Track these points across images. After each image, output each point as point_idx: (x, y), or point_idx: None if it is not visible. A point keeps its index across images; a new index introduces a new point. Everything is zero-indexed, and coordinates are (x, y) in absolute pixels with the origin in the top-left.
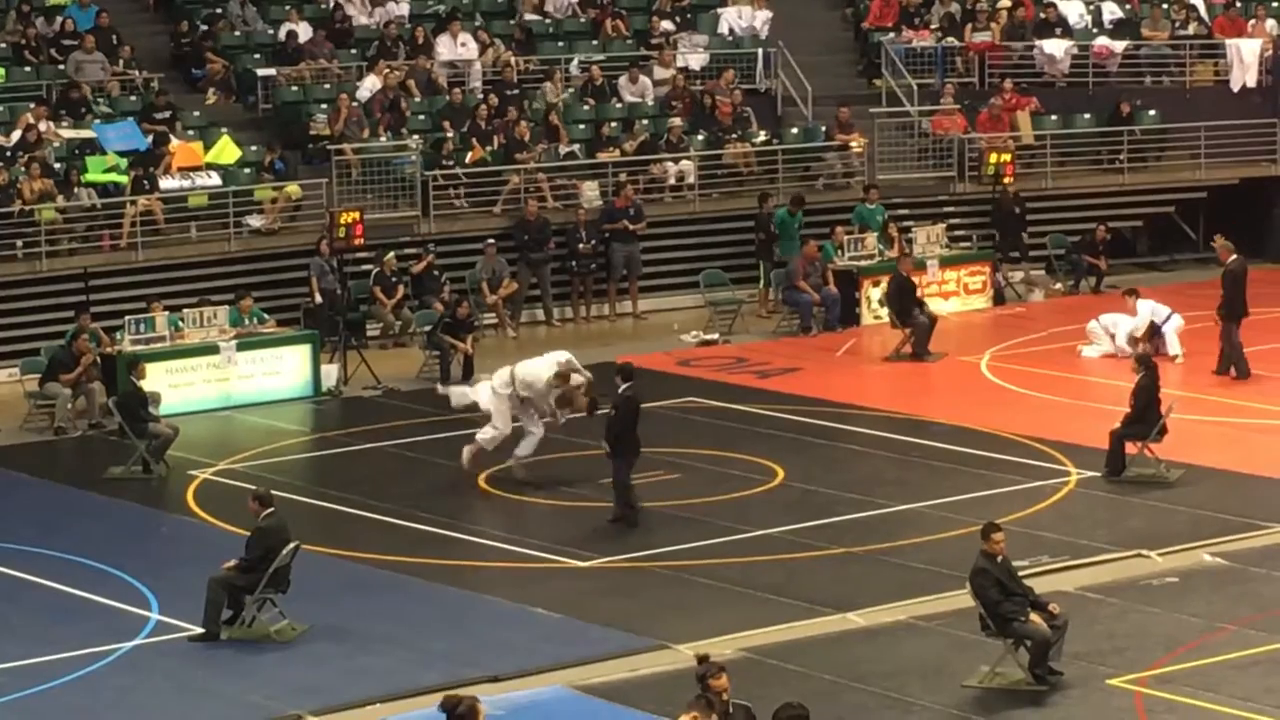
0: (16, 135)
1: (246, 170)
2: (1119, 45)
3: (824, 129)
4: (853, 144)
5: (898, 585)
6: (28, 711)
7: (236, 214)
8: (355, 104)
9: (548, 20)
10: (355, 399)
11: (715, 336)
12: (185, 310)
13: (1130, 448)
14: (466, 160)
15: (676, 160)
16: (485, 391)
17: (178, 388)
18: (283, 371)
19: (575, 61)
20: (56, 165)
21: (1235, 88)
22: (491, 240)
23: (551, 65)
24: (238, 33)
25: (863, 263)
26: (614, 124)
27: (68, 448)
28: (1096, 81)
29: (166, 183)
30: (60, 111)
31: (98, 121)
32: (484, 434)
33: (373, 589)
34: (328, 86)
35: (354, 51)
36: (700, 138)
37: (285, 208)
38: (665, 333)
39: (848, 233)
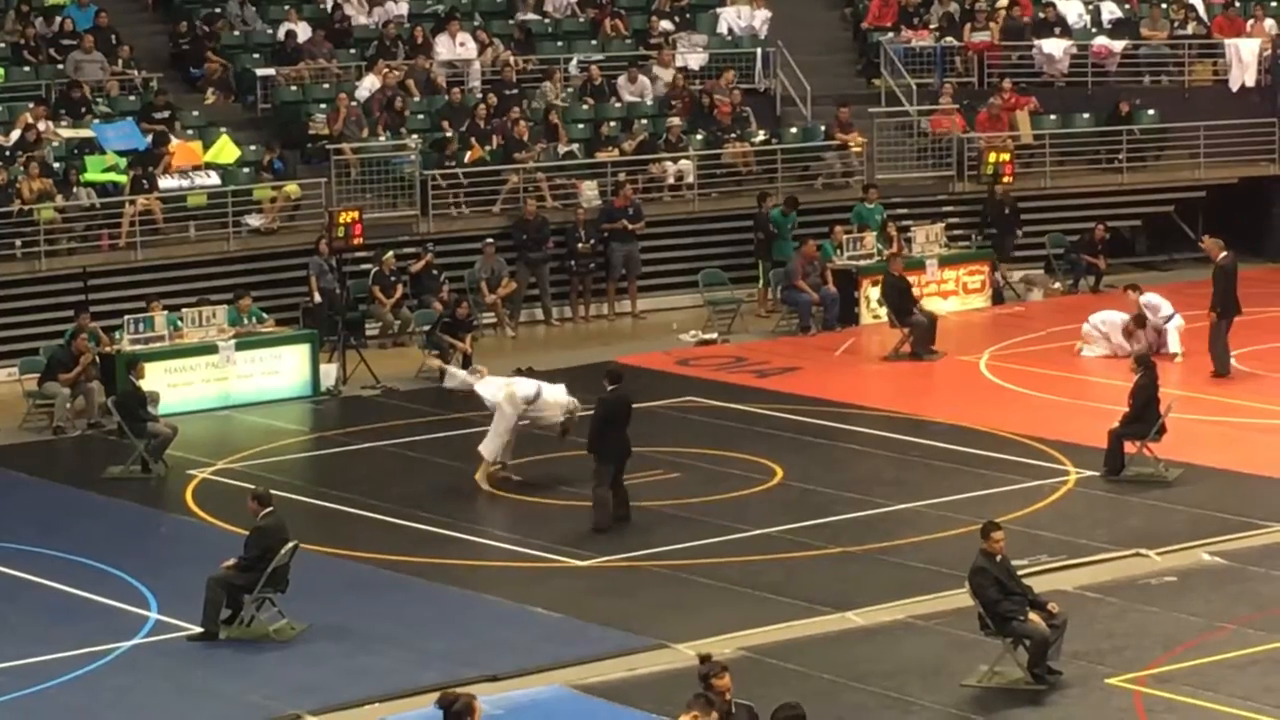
0: (16, 135)
1: (245, 170)
2: (1118, 45)
3: (823, 128)
4: (852, 143)
5: (897, 584)
6: (27, 711)
7: (235, 213)
8: (354, 104)
9: (547, 20)
10: (354, 398)
11: (714, 336)
12: (184, 310)
13: (1129, 447)
14: (465, 160)
15: (675, 160)
16: (489, 389)
17: (177, 387)
18: (282, 371)
19: (574, 61)
20: (55, 165)
21: (1234, 87)
22: (490, 240)
23: (551, 65)
24: (237, 32)
25: (861, 262)
26: (613, 123)
27: (66, 447)
28: (1095, 81)
29: (165, 182)
30: (59, 111)
31: (97, 121)
32: (488, 448)
33: (371, 588)
34: (327, 86)
35: (353, 51)
36: (699, 137)
37: (284, 207)
38: (664, 332)
39: (847, 232)
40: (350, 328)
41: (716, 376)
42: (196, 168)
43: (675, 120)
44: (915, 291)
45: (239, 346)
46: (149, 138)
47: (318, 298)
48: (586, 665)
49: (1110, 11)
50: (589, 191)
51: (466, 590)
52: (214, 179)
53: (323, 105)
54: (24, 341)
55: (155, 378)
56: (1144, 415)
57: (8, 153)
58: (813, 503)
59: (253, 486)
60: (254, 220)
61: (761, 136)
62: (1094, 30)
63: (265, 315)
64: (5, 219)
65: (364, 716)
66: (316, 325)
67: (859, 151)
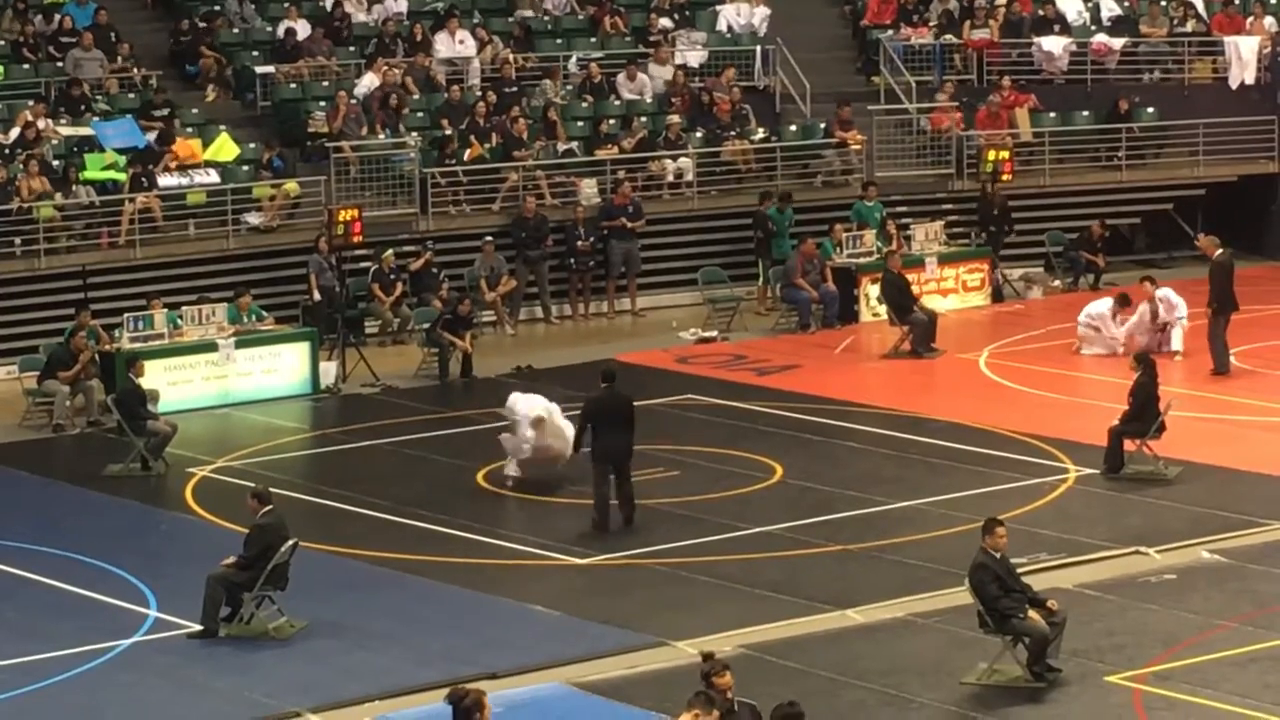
0: (15, 133)
1: (245, 168)
2: (1117, 42)
3: (822, 126)
4: (851, 141)
5: (896, 582)
6: (26, 709)
7: (235, 211)
8: (354, 101)
9: (546, 17)
10: (353, 396)
11: (714, 334)
12: (184, 308)
13: (1129, 445)
14: (465, 158)
15: (675, 158)
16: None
17: (176, 385)
18: (281, 369)
19: (574, 59)
20: (55, 163)
21: (1233, 85)
22: (490, 238)
23: (550, 63)
24: (236, 30)
25: (861, 260)
26: (612, 121)
27: (66, 445)
28: (1095, 79)
29: (165, 180)
30: (59, 109)
31: (96, 119)
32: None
33: (371, 586)
34: (326, 84)
35: (352, 49)
36: (699, 135)
37: (284, 205)
38: (664, 330)
39: (846, 230)
40: (350, 326)
41: (716, 374)
42: (196, 165)
43: (675, 118)
44: (915, 289)
45: (238, 344)
46: (154, 135)
47: (317, 296)
48: (586, 663)
49: (1110, 9)
50: (588, 189)
51: (466, 588)
52: (213, 177)
53: (322, 103)
54: (23, 339)
55: (155, 376)
56: (1144, 413)
57: (7, 151)
58: (812, 500)
59: (252, 484)
60: (253, 218)
61: (761, 134)
62: (1093, 28)
63: (265, 313)
64: (5, 217)
65: (363, 714)
66: (316, 323)
67: (858, 149)
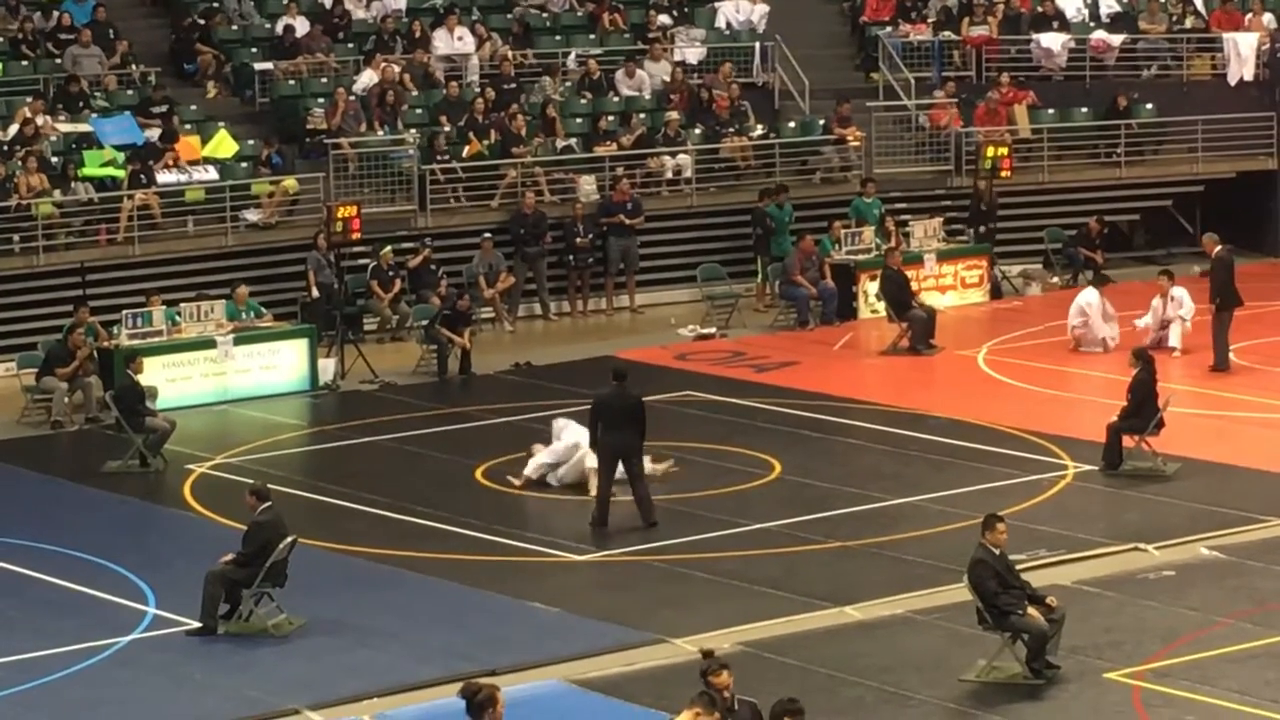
0: (14, 129)
1: (244, 164)
2: (1116, 39)
3: (821, 123)
4: (850, 138)
5: (895, 579)
6: (25, 706)
7: (233, 208)
8: (352, 98)
9: (545, 14)
10: (352, 393)
11: (712, 330)
12: (182, 304)
13: (1127, 441)
14: (464, 154)
15: (673, 154)
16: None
17: (175, 382)
18: (280, 366)
19: (572, 55)
20: (54, 159)
21: (1232, 81)
22: (488, 234)
23: (549, 60)
24: (235, 27)
25: (860, 257)
26: (611, 118)
27: (64, 442)
28: (1093, 75)
29: (164, 177)
30: (57, 106)
31: (95, 116)
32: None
33: (370, 583)
34: (325, 81)
35: (351, 46)
36: (697, 132)
37: (282, 202)
38: (662, 327)
39: (845, 227)
40: (348, 322)
41: (715, 371)
42: (194, 162)
43: (673, 115)
44: (913, 286)
45: (237, 341)
46: (157, 133)
47: (316, 292)
48: (585, 660)
49: (1108, 5)
50: (587, 186)
51: (465, 585)
52: (212, 174)
53: (321, 100)
54: (22, 336)
55: (153, 372)
56: (1142, 410)
57: (5, 147)
58: (811, 497)
59: (251, 481)
60: (252, 215)
61: (760, 131)
62: (1092, 24)
63: (263, 310)
64: (3, 214)
65: (362, 711)
66: (315, 320)
67: (857, 146)
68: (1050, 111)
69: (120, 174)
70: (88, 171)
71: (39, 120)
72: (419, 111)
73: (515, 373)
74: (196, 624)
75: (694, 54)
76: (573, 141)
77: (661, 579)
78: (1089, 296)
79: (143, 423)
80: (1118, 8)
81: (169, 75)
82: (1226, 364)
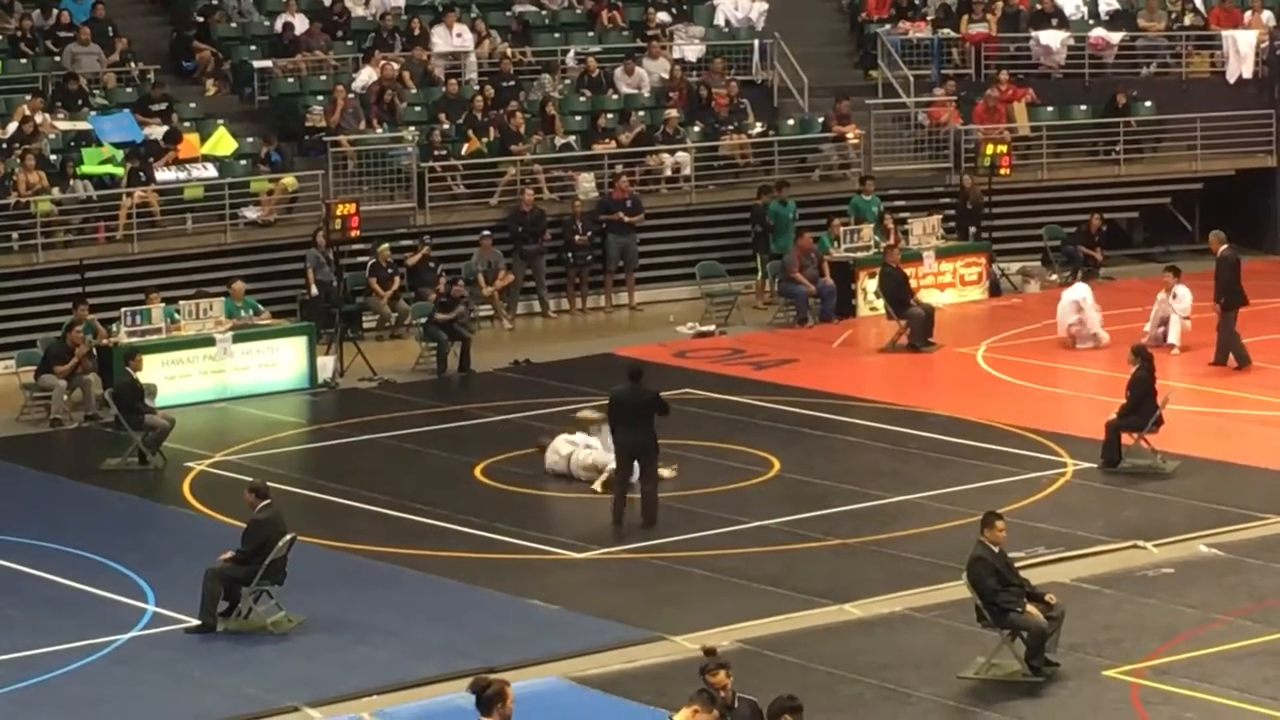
0: (13, 127)
1: (243, 162)
2: (1115, 36)
3: (820, 120)
4: (849, 135)
5: (894, 576)
6: (25, 703)
7: (232, 206)
8: (351, 96)
9: (544, 12)
10: (351, 391)
11: (711, 328)
12: (181, 302)
13: (1126, 439)
14: (463, 152)
15: (673, 152)
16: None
17: (174, 379)
18: (279, 363)
19: (571, 53)
20: (52, 157)
21: (1231, 79)
22: (487, 232)
23: (548, 57)
24: (234, 24)
25: (859, 254)
26: (610, 115)
27: (64, 439)
28: (1092, 73)
29: (162, 174)
30: (56, 103)
31: (94, 113)
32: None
33: (369, 581)
34: (324, 78)
35: (350, 43)
36: (696, 129)
37: (281, 200)
38: (661, 324)
39: (844, 224)
40: (347, 320)
41: (713, 368)
42: (193, 160)
43: (672, 112)
44: (912, 283)
45: (236, 339)
46: (161, 132)
47: (315, 290)
48: (584, 658)
49: (1107, 3)
50: (586, 184)
51: (464, 583)
52: (211, 171)
53: (320, 97)
54: (21, 334)
55: (152, 370)
56: (1141, 407)
57: (4, 145)
58: (810, 495)
59: (250, 479)
60: (251, 213)
61: (759, 128)
62: (1091, 22)
63: (261, 307)
64: (2, 211)
65: (361, 709)
66: (314, 318)
67: (856, 143)
68: (1049, 109)
69: (119, 172)
70: (87, 169)
71: (38, 118)
72: (418, 109)
73: (514, 370)
74: (196, 621)
75: (693, 51)
76: (572, 139)
77: (661, 576)
78: (1081, 291)
79: (142, 420)
80: (1117, 5)
81: (168, 73)
82: (1248, 360)
